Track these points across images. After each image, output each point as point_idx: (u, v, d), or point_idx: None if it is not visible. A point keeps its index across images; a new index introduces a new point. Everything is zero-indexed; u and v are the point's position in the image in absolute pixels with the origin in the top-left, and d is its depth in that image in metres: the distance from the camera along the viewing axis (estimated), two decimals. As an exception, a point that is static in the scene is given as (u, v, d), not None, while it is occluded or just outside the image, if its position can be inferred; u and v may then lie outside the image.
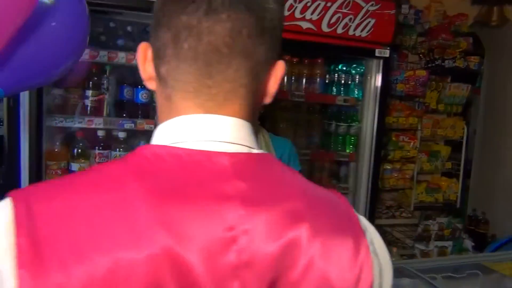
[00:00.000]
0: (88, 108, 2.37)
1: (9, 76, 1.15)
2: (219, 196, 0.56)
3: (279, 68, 0.68)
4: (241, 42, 0.60)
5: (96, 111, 2.40)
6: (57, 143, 2.32)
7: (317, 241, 0.58)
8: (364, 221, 0.67)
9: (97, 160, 2.38)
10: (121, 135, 2.39)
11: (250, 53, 0.62)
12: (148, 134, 2.64)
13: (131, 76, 2.42)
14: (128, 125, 2.36)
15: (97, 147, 2.38)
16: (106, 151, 2.40)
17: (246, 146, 0.63)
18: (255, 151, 0.64)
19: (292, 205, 0.60)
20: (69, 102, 2.35)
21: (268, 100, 0.69)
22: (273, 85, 0.68)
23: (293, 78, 2.90)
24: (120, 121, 2.35)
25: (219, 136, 0.61)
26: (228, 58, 0.60)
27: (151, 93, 2.45)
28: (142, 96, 2.41)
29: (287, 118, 2.93)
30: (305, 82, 2.93)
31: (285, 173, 0.65)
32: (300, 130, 2.96)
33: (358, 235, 0.63)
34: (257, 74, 0.64)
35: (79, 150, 2.35)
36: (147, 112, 2.46)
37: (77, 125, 2.28)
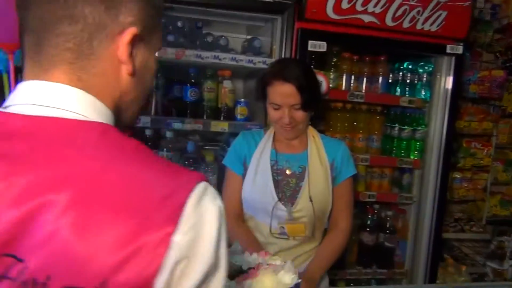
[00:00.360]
0: (137, 106, 2.29)
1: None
2: None
3: (125, 35, 0.71)
4: (68, 4, 0.67)
5: (149, 110, 2.32)
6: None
7: (72, 213, 0.59)
8: (199, 215, 0.64)
9: (144, 160, 2.29)
10: (169, 134, 2.30)
11: (75, 17, 0.68)
12: (196, 134, 2.54)
13: (180, 73, 2.32)
14: (176, 124, 2.26)
15: (144, 147, 2.30)
16: (153, 151, 2.30)
17: (61, 109, 0.67)
18: (77, 117, 0.68)
19: (61, 172, 0.61)
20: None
21: (126, 68, 0.73)
22: (121, 53, 0.71)
23: (352, 77, 2.67)
24: (168, 120, 2.26)
25: (30, 99, 0.68)
26: (53, 23, 0.68)
27: (200, 91, 2.35)
28: (190, 94, 2.31)
29: (345, 119, 2.71)
30: (366, 81, 2.70)
31: (99, 146, 0.66)
32: (358, 133, 2.73)
33: (154, 222, 0.61)
34: (89, 40, 0.69)
35: (126, 149, 2.27)
36: (196, 111, 2.35)
37: (125, 123, 2.20)
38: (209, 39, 2.35)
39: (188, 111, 2.33)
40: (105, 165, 0.64)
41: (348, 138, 2.70)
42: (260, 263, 1.31)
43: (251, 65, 2.31)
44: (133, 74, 0.74)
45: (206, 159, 2.38)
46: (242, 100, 2.41)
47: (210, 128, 2.30)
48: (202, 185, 0.66)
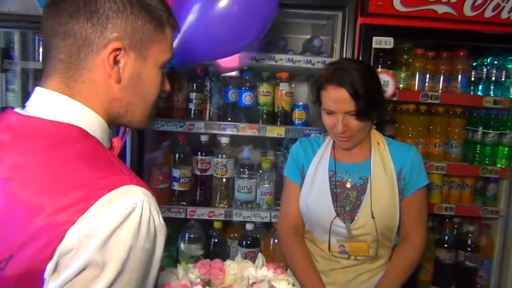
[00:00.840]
0: (192, 112, 2.26)
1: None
2: None
3: (107, 48, 0.84)
4: (62, 22, 0.83)
5: (200, 115, 2.27)
6: (161, 149, 2.25)
7: (9, 188, 0.76)
8: (102, 215, 0.72)
9: (199, 167, 2.25)
10: (224, 140, 2.22)
11: (67, 33, 0.83)
12: (252, 140, 2.44)
13: (235, 78, 2.24)
14: (230, 129, 2.18)
15: (199, 153, 2.25)
16: (208, 157, 2.25)
17: (45, 111, 0.84)
18: (44, 115, 0.84)
19: (18, 160, 0.79)
20: (173, 105, 2.25)
21: (112, 78, 0.86)
22: (105, 64, 0.85)
23: (427, 75, 2.41)
24: (222, 126, 2.18)
25: (31, 102, 0.87)
26: (53, 38, 0.85)
27: (255, 96, 2.24)
28: (245, 99, 2.21)
29: (418, 123, 2.45)
30: (443, 80, 2.41)
31: (56, 143, 0.81)
32: (435, 138, 2.45)
33: (62, 211, 0.72)
34: (77, 54, 0.84)
35: (181, 156, 2.24)
36: (251, 116, 2.25)
37: (179, 129, 2.17)
38: (265, 40, 2.23)
39: (243, 116, 2.23)
40: (47, 159, 0.78)
41: (422, 143, 2.45)
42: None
43: (309, 65, 2.16)
44: (119, 81, 0.87)
45: (263, 166, 2.26)
46: (300, 103, 2.26)
47: (265, 133, 2.18)
48: (122, 189, 0.76)
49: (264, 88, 2.22)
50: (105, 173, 0.78)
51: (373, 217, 1.63)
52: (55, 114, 0.84)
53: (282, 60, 2.14)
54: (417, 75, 2.39)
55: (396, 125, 2.44)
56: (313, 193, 1.71)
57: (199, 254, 2.25)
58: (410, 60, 2.38)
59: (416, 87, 2.38)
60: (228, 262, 1.07)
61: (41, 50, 2.50)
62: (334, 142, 1.77)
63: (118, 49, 0.85)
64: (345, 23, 2.13)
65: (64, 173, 0.76)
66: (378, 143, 1.74)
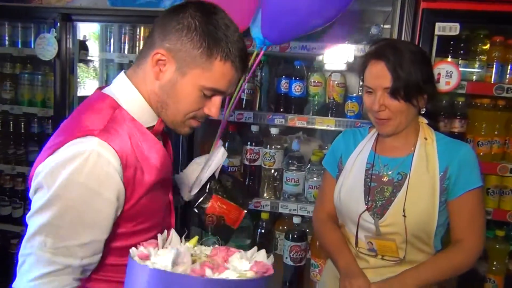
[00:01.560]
0: (244, 102, 2.26)
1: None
2: None
3: (154, 51, 1.10)
4: (155, 24, 1.14)
5: (251, 104, 2.27)
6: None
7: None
8: (63, 156, 1.01)
9: (248, 157, 2.25)
10: (274, 131, 2.20)
11: (152, 33, 1.13)
12: (302, 131, 2.37)
13: (285, 67, 2.19)
14: (279, 120, 2.14)
15: (249, 143, 2.25)
16: (258, 147, 2.24)
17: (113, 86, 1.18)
18: (107, 92, 1.16)
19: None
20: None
21: (156, 80, 1.12)
22: (151, 63, 1.12)
23: (508, 67, 2.14)
24: (271, 116, 2.15)
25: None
26: (150, 33, 1.15)
27: (305, 86, 2.18)
28: (295, 89, 2.15)
29: (494, 120, 2.19)
30: (525, 71, 2.13)
31: (95, 107, 1.12)
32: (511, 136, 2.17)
33: (49, 150, 1.05)
34: (147, 48, 1.14)
35: (231, 145, 2.26)
36: (301, 106, 2.19)
37: (229, 118, 2.18)
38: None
39: (293, 107, 2.18)
40: (78, 115, 1.12)
41: (498, 142, 2.19)
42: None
43: (363, 54, 2.03)
44: (157, 79, 1.10)
45: (312, 159, 2.19)
46: (354, 95, 2.15)
47: (315, 124, 2.11)
48: (85, 138, 1.01)
49: (315, 78, 2.15)
50: (86, 127, 1.03)
51: (404, 216, 1.50)
52: (114, 86, 1.16)
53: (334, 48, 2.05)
54: (494, 66, 2.13)
55: (469, 121, 2.20)
56: (347, 184, 1.63)
57: (246, 244, 2.26)
58: (486, 49, 2.13)
59: (492, 79, 2.13)
60: (237, 254, 0.91)
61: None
62: (378, 134, 1.66)
63: (163, 56, 1.08)
64: (404, 9, 1.97)
65: (67, 125, 1.10)
66: (426, 139, 1.59)
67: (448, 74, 1.95)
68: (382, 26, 2.17)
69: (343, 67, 2.19)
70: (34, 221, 0.99)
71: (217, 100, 1.13)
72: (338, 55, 2.09)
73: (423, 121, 1.62)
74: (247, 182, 2.29)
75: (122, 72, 1.18)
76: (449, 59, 2.07)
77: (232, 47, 1.08)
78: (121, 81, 1.15)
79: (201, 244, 0.99)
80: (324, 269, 1.87)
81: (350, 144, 1.70)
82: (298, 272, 2.23)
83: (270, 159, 2.19)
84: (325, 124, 2.11)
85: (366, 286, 1.50)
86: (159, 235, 0.96)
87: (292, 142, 2.29)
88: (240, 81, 1.61)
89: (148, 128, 1.13)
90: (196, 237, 1.00)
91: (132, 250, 0.89)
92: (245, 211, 1.59)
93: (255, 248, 0.99)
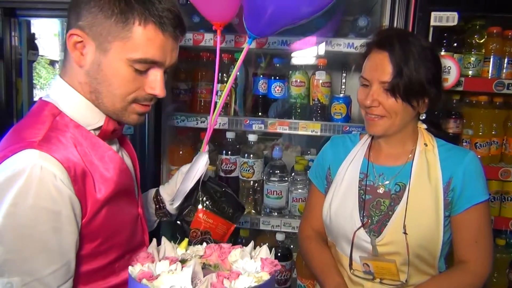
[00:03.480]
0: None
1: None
2: None
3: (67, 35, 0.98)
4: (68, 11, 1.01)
5: (227, 108, 2.01)
6: (181, 146, 2.03)
7: None
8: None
9: (223, 167, 1.99)
10: (251, 138, 1.94)
11: (68, 19, 1.00)
12: (282, 137, 2.14)
13: (263, 66, 1.95)
14: (257, 125, 1.89)
15: (224, 152, 1.99)
16: (234, 157, 1.99)
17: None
18: (47, 99, 1.03)
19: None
20: (195, 97, 2.01)
21: (81, 67, 0.99)
22: (69, 48, 0.99)
23: (505, 60, 1.95)
24: (248, 121, 1.90)
25: None
26: None
27: (286, 86, 1.93)
28: (275, 90, 1.91)
29: (492, 118, 2.01)
30: (526, 65, 1.94)
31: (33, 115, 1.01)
32: (512, 137, 2.00)
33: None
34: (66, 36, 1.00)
35: (203, 155, 2.00)
36: (282, 109, 1.94)
37: (200, 125, 1.93)
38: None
39: (273, 110, 1.93)
40: (17, 126, 1.01)
41: (496, 143, 2.02)
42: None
43: (351, 49, 1.81)
44: (80, 65, 0.98)
45: (295, 168, 1.96)
46: (341, 95, 1.92)
47: (298, 130, 1.88)
48: (21, 153, 0.89)
49: (297, 77, 1.90)
50: (24, 139, 0.91)
51: (405, 233, 1.30)
52: (51, 93, 1.04)
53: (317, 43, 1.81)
54: (491, 60, 1.94)
55: (464, 120, 2.01)
56: (338, 198, 1.43)
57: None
58: (483, 41, 1.94)
59: (489, 74, 1.94)
60: (236, 250, 0.96)
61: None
62: (371, 141, 1.44)
63: (79, 36, 0.96)
64: (396, -3, 1.75)
65: (6, 139, 0.97)
66: (426, 145, 1.39)
67: (446, 69, 1.75)
68: (368, 17, 1.95)
69: (330, 65, 1.95)
70: None
71: (156, 74, 1.00)
72: (322, 51, 1.85)
73: (422, 126, 1.42)
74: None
75: (57, 75, 1.05)
76: (443, 52, 1.87)
77: (152, 7, 0.95)
78: (56, 83, 1.03)
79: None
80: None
81: (340, 153, 1.50)
82: (283, 295, 2.01)
83: (249, 170, 1.94)
84: (310, 129, 1.87)
85: None
86: (150, 247, 0.93)
87: (272, 149, 2.04)
88: (229, 79, 1.45)
89: (98, 129, 1.03)
90: (186, 240, 1.00)
91: (131, 271, 0.84)
92: (235, 225, 1.42)
93: (252, 243, 0.99)
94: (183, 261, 0.93)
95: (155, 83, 1.00)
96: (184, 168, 1.42)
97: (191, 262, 0.86)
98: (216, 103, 1.48)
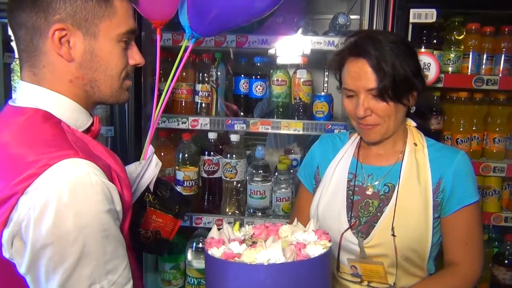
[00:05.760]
0: (198, 106, 1.98)
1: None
2: None
3: (51, 31, 0.90)
4: (15, 14, 0.92)
5: (208, 109, 1.99)
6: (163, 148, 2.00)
7: None
8: (46, 187, 0.81)
9: (206, 168, 1.97)
10: (234, 138, 1.93)
11: (20, 24, 0.91)
12: (265, 137, 2.13)
13: (243, 65, 1.93)
14: (239, 125, 1.88)
15: (206, 153, 1.97)
16: (216, 157, 1.97)
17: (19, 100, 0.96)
18: (19, 104, 0.95)
19: None
20: (176, 98, 1.99)
21: (64, 58, 0.93)
22: (53, 45, 0.92)
23: (484, 56, 1.97)
24: (230, 121, 1.88)
25: (16, 94, 0.99)
26: (14, 31, 0.94)
27: (268, 86, 1.92)
28: (256, 89, 1.90)
29: (473, 114, 2.02)
30: (504, 60, 1.96)
31: (15, 125, 0.91)
32: (494, 132, 2.01)
33: (14, 182, 0.82)
34: (32, 41, 0.92)
35: (185, 156, 1.97)
36: (268, 109, 1.93)
37: (181, 126, 1.91)
38: (280, 20, 1.90)
39: (254, 110, 1.92)
40: (6, 139, 0.90)
41: (477, 139, 2.03)
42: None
43: (331, 47, 1.80)
44: (71, 60, 0.93)
45: (278, 168, 1.94)
46: (322, 94, 1.91)
47: (280, 129, 1.86)
48: (67, 161, 0.84)
49: (278, 76, 1.89)
50: (54, 149, 0.86)
51: (393, 235, 1.28)
52: (27, 101, 0.94)
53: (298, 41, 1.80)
54: (470, 56, 1.96)
55: (445, 117, 2.02)
56: (326, 198, 1.41)
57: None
58: (462, 37, 1.95)
59: (469, 70, 1.96)
60: (284, 226, 1.06)
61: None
62: (360, 140, 1.43)
63: (63, 30, 0.90)
64: (375, -6, 1.75)
65: (17, 155, 0.86)
66: (416, 144, 1.38)
67: (426, 66, 1.76)
68: (348, 15, 1.95)
69: (311, 64, 1.94)
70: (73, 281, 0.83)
71: (134, 44, 1.03)
72: (302, 49, 1.84)
73: (411, 124, 1.41)
74: (206, 197, 2.02)
75: (22, 82, 0.96)
76: (423, 49, 1.87)
77: None
78: (31, 91, 0.95)
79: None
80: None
81: (328, 152, 1.48)
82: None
83: (232, 170, 1.92)
84: (292, 128, 1.86)
85: None
86: (212, 233, 1.03)
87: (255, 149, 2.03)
88: (169, 78, 1.41)
89: (85, 130, 1.01)
90: (238, 223, 1.11)
91: (213, 253, 0.93)
92: (181, 220, 1.44)
93: (295, 220, 1.11)
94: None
95: (135, 52, 1.02)
96: (128, 168, 1.36)
97: (270, 239, 0.98)
98: (158, 101, 1.42)
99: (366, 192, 1.38)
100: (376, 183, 1.38)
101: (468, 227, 1.33)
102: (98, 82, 0.97)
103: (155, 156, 1.34)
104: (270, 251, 0.90)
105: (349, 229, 1.34)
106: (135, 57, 1.02)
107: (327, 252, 0.95)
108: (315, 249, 0.94)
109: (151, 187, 1.35)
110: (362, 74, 1.25)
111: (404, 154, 1.37)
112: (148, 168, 1.32)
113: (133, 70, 1.04)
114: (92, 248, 0.83)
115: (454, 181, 1.31)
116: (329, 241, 0.98)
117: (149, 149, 1.38)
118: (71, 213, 0.80)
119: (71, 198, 0.80)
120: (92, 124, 1.02)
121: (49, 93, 0.94)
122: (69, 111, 0.96)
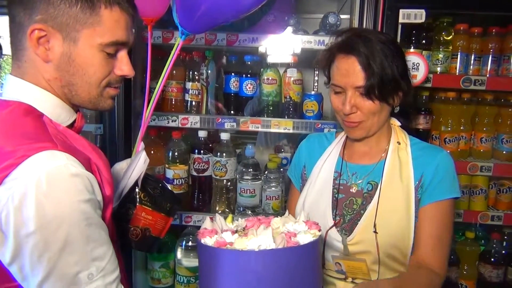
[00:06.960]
0: (188, 104, 1.98)
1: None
2: None
3: (30, 29, 0.91)
4: (10, 8, 0.95)
5: (198, 107, 1.99)
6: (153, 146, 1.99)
7: None
8: (22, 178, 0.82)
9: (196, 166, 1.97)
10: (224, 136, 1.92)
11: (11, 17, 0.95)
12: (256, 136, 2.13)
13: (234, 63, 1.93)
14: (229, 123, 1.88)
15: (196, 151, 1.97)
16: (206, 156, 1.97)
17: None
18: (5, 97, 0.96)
19: None
20: (166, 96, 1.98)
21: (48, 62, 0.95)
22: (32, 46, 0.93)
23: (471, 56, 1.99)
24: (220, 119, 1.88)
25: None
26: (10, 20, 0.96)
27: (258, 84, 1.93)
28: (246, 88, 1.90)
29: (460, 114, 2.04)
30: (491, 61, 1.99)
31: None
32: (481, 132, 2.04)
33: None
34: (17, 36, 0.95)
35: (175, 154, 1.97)
36: (259, 108, 1.94)
37: (171, 124, 1.90)
38: (270, 18, 1.90)
39: (245, 108, 1.92)
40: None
41: (465, 138, 2.05)
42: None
43: (322, 47, 1.81)
44: (47, 61, 0.94)
45: (268, 166, 1.95)
46: (312, 93, 1.92)
47: (270, 127, 1.87)
48: (45, 153, 0.85)
49: (268, 75, 1.90)
50: (33, 140, 0.86)
51: (375, 232, 1.29)
52: (11, 95, 0.96)
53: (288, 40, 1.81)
54: (458, 56, 1.98)
55: (434, 116, 2.04)
56: (312, 197, 1.42)
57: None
58: (450, 38, 1.97)
59: (457, 71, 1.98)
60: (276, 218, 1.07)
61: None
62: (346, 139, 1.44)
63: (42, 30, 0.91)
64: (365, -5, 1.76)
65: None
66: (399, 143, 1.39)
67: (414, 66, 1.77)
68: (338, 15, 1.95)
69: (301, 63, 1.95)
70: (60, 266, 0.84)
71: (124, 55, 1.02)
72: (293, 48, 1.85)
73: (396, 123, 1.43)
74: (196, 195, 2.02)
75: (9, 76, 0.99)
76: (412, 49, 1.89)
77: None
78: (15, 84, 0.97)
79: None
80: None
81: (315, 151, 1.49)
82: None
83: (221, 169, 1.92)
84: (282, 126, 1.87)
85: None
86: (205, 223, 1.05)
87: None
88: (162, 74, 1.41)
89: (69, 126, 1.01)
90: (231, 215, 1.13)
91: (206, 242, 0.94)
92: (172, 218, 1.43)
93: (287, 212, 1.15)
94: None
95: (124, 63, 1.01)
96: (118, 165, 1.40)
97: (261, 228, 1.02)
98: (149, 99, 1.43)
99: (351, 190, 1.39)
100: (360, 181, 1.39)
101: (441, 223, 1.31)
102: (76, 86, 0.98)
103: (144, 152, 1.33)
104: (261, 238, 0.93)
105: (334, 227, 1.36)
106: (123, 68, 1.02)
107: (316, 240, 0.97)
108: (305, 237, 0.96)
109: (139, 183, 1.34)
110: (351, 71, 1.26)
111: (387, 152, 1.38)
112: (137, 164, 1.31)
113: (121, 80, 1.04)
114: (76, 236, 0.84)
115: (434, 176, 1.32)
116: (319, 230, 1.01)
117: (140, 146, 1.38)
118: (51, 202, 0.81)
119: (50, 188, 0.81)
120: (75, 121, 1.02)
121: (32, 87, 0.96)
122: (51, 106, 0.97)
